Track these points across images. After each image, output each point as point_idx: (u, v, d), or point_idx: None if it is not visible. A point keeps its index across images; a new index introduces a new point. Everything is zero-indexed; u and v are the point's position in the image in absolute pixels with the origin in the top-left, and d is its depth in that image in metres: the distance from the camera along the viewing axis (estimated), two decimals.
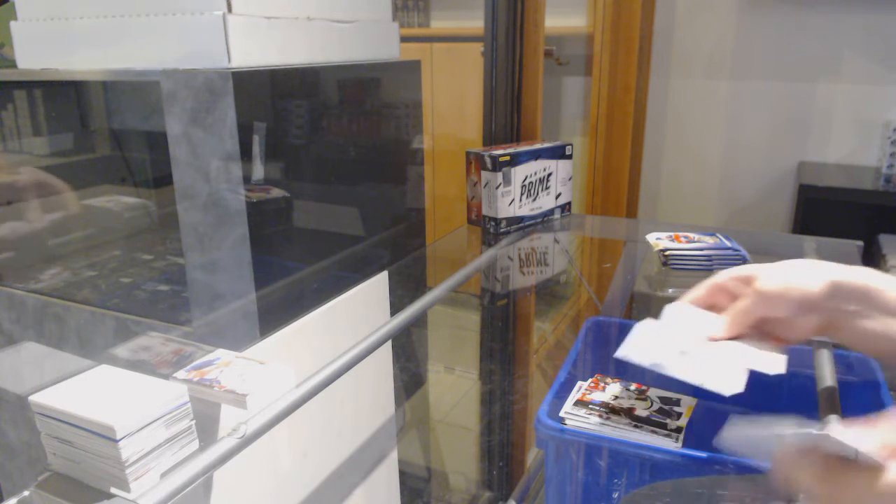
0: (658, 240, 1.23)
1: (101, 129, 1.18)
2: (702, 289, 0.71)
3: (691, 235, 1.24)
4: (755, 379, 0.99)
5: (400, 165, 1.13)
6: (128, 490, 0.55)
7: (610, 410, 0.87)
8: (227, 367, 0.68)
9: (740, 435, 0.45)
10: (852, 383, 0.87)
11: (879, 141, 2.22)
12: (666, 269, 1.20)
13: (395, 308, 1.08)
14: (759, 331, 0.69)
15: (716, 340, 0.69)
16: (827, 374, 0.77)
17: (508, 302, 1.55)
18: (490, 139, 1.61)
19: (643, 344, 0.68)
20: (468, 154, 1.40)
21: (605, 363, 1.10)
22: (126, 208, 1.16)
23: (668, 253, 1.20)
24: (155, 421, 0.57)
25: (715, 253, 1.19)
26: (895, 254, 1.94)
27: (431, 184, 2.52)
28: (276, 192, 0.84)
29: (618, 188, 2.35)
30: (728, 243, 1.20)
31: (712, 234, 1.25)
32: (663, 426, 0.83)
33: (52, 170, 1.20)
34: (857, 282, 0.60)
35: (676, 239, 1.22)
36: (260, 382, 0.65)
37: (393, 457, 1.19)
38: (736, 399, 0.97)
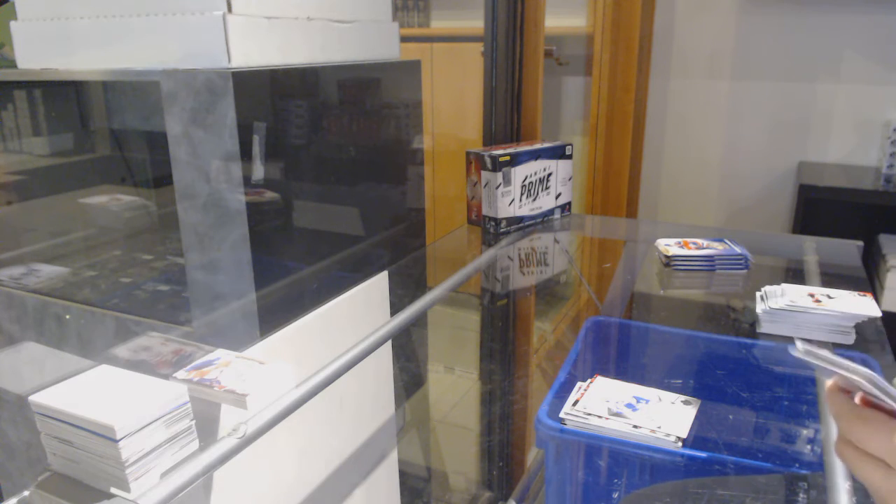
0: (667, 246, 1.23)
1: (101, 129, 1.18)
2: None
3: (700, 242, 1.24)
4: (757, 379, 0.99)
5: (400, 165, 1.13)
6: (128, 490, 0.55)
7: (610, 411, 0.87)
8: (226, 367, 0.68)
9: (816, 352, 0.45)
10: None
11: (879, 141, 2.22)
12: (668, 269, 1.20)
13: (395, 308, 1.08)
14: None
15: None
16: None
17: (508, 302, 1.54)
18: (490, 139, 1.61)
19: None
20: (468, 154, 1.40)
21: (605, 363, 1.10)
22: (126, 208, 1.16)
23: (671, 254, 1.20)
24: (155, 421, 0.57)
25: (717, 254, 1.19)
26: (895, 254, 1.93)
27: (431, 184, 2.52)
28: (276, 192, 0.84)
29: (618, 188, 2.35)
30: (738, 249, 1.20)
31: (720, 240, 1.25)
32: (663, 427, 0.83)
33: (52, 170, 1.20)
34: None
35: (685, 245, 1.22)
36: (260, 382, 0.65)
37: (393, 457, 1.19)
38: (737, 400, 0.97)
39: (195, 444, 0.61)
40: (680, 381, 1.02)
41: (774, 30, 2.28)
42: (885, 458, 0.40)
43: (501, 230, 1.39)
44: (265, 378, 0.66)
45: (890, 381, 0.43)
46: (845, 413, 0.42)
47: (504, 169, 1.35)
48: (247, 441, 0.63)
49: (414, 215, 1.18)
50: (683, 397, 0.89)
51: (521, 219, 1.42)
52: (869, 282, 1.10)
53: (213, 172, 0.78)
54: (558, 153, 1.46)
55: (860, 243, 1.30)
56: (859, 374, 0.41)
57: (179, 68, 0.78)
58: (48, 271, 1.07)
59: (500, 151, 1.36)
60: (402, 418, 1.28)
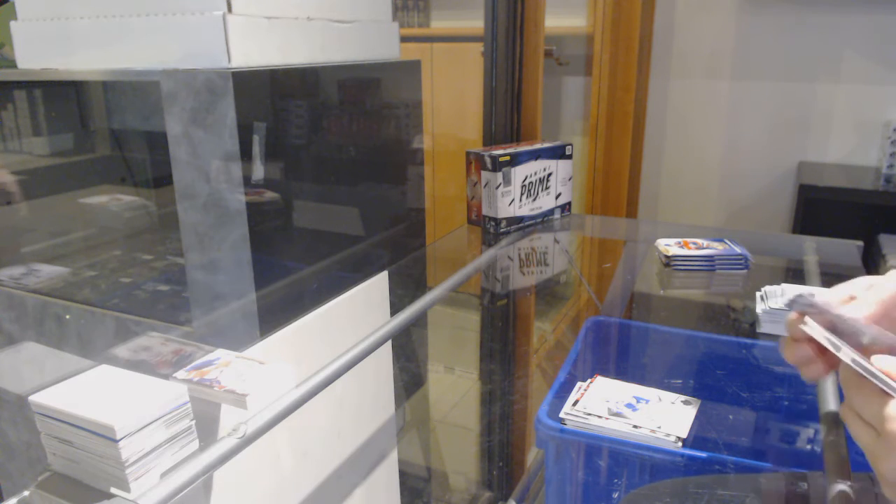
0: (667, 246, 1.23)
1: (101, 129, 1.18)
2: (843, 293, 0.56)
3: (700, 242, 1.24)
4: (757, 379, 0.99)
5: (400, 165, 1.13)
6: (128, 490, 0.55)
7: (610, 411, 0.87)
8: (226, 367, 0.68)
9: (817, 328, 0.51)
10: None
11: (879, 141, 2.22)
12: (668, 269, 1.20)
13: (395, 308, 1.08)
14: None
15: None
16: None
17: (508, 302, 1.54)
18: (490, 139, 1.61)
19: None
20: (468, 154, 1.40)
21: (605, 363, 1.10)
22: (126, 208, 1.16)
23: (671, 254, 1.20)
24: (155, 421, 0.57)
25: (717, 254, 1.19)
26: (895, 254, 1.93)
27: (431, 184, 2.52)
28: (276, 192, 0.84)
29: (618, 188, 2.35)
30: (738, 249, 1.20)
31: (720, 240, 1.25)
32: (663, 427, 0.83)
33: (52, 170, 1.20)
34: None
35: (685, 245, 1.22)
36: (260, 382, 0.65)
37: (393, 457, 1.19)
38: (737, 400, 0.97)
39: (195, 444, 0.61)
40: (680, 381, 1.02)
41: (774, 30, 2.28)
42: (874, 425, 0.46)
43: (501, 230, 1.39)
44: (265, 378, 0.66)
45: None
46: (848, 382, 0.49)
47: (504, 169, 1.35)
48: (247, 441, 0.63)
49: (414, 215, 1.18)
50: (683, 397, 0.89)
51: (521, 219, 1.42)
52: None
53: (213, 172, 0.78)
54: (558, 153, 1.46)
55: (860, 243, 1.30)
56: (849, 356, 0.48)
57: (179, 68, 0.78)
58: (48, 271, 1.07)
59: (500, 151, 1.36)
60: (402, 418, 1.28)
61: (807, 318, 0.53)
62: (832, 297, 0.54)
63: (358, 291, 1.02)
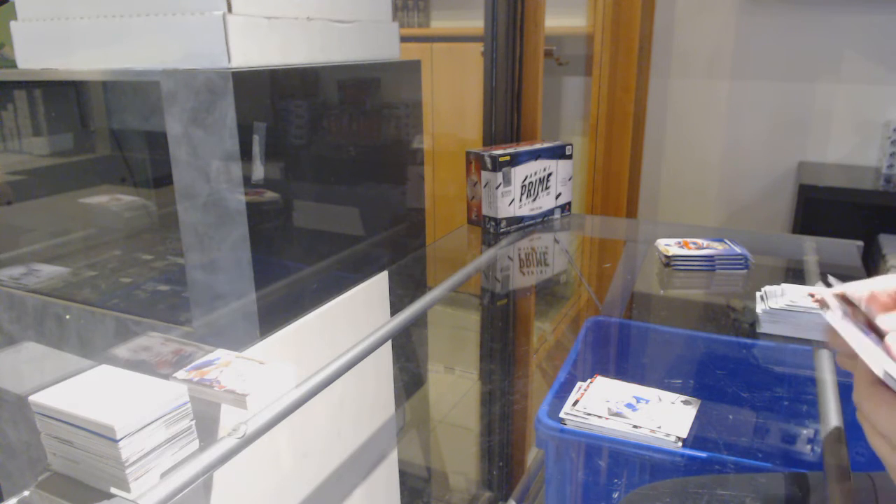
0: (667, 246, 1.23)
1: (101, 129, 1.18)
2: (864, 290, 0.54)
3: (700, 242, 1.24)
4: (757, 379, 0.99)
5: (400, 165, 1.13)
6: (128, 490, 0.55)
7: (610, 411, 0.87)
8: (227, 367, 0.68)
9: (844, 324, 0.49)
10: (852, 384, 0.87)
11: (879, 141, 2.22)
12: (668, 269, 1.20)
13: (395, 308, 1.08)
14: None
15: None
16: (827, 375, 0.77)
17: (508, 302, 1.54)
18: (490, 139, 1.61)
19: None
20: (468, 154, 1.40)
21: (605, 363, 1.10)
22: (126, 208, 1.16)
23: (671, 254, 1.20)
24: (155, 421, 0.57)
25: (717, 254, 1.19)
26: (895, 254, 1.93)
27: (431, 184, 2.52)
28: (276, 192, 0.84)
29: (618, 188, 2.35)
30: (738, 249, 1.20)
31: (720, 240, 1.25)
32: (663, 427, 0.83)
33: (52, 170, 1.20)
34: None
35: (685, 245, 1.22)
36: (260, 382, 0.65)
37: (393, 457, 1.19)
38: (737, 400, 0.97)
39: (195, 444, 0.61)
40: (680, 381, 1.02)
41: (774, 30, 2.28)
42: (889, 437, 0.43)
43: (501, 230, 1.39)
44: (265, 378, 0.66)
45: None
46: (859, 386, 0.46)
47: (504, 169, 1.35)
48: (247, 441, 0.63)
49: (414, 215, 1.18)
50: (683, 397, 0.89)
51: (521, 219, 1.42)
52: None
53: (213, 172, 0.78)
54: (558, 153, 1.46)
55: (860, 243, 1.30)
56: (875, 362, 0.44)
57: (179, 68, 0.78)
58: (48, 271, 1.07)
59: (500, 151, 1.36)
60: (402, 418, 1.28)
61: (830, 306, 0.50)
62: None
63: (358, 291, 1.02)
